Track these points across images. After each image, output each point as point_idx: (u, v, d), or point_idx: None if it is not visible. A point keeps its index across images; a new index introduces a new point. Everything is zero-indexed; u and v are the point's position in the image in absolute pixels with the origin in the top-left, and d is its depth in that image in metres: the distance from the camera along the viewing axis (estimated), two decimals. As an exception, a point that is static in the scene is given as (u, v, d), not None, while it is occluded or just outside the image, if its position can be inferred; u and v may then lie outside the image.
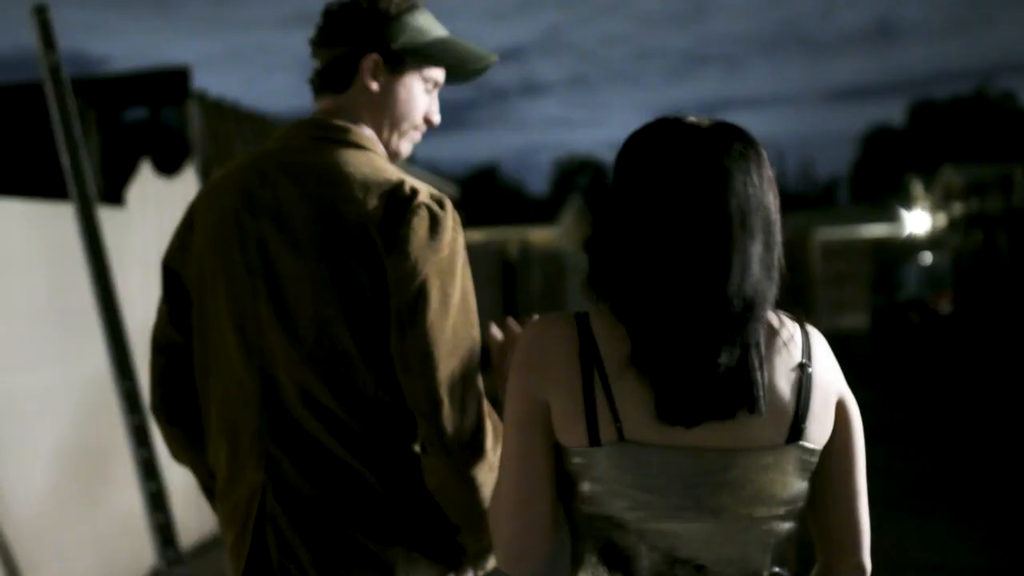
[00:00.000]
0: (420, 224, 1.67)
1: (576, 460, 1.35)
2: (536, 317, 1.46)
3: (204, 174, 6.82)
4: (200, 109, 6.90)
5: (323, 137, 1.78)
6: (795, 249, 31.30)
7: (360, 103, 1.83)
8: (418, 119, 1.88)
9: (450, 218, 1.70)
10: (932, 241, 23.65)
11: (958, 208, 22.87)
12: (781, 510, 1.36)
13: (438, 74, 1.89)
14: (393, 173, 1.74)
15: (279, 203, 1.74)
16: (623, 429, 1.32)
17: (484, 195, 45.93)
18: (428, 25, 1.87)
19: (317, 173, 1.73)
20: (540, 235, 30.41)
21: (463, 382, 1.67)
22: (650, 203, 1.32)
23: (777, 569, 1.40)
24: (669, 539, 1.35)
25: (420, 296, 1.65)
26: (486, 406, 1.73)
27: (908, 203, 27.54)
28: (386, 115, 1.84)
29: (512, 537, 1.40)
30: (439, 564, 1.76)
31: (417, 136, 1.92)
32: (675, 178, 1.32)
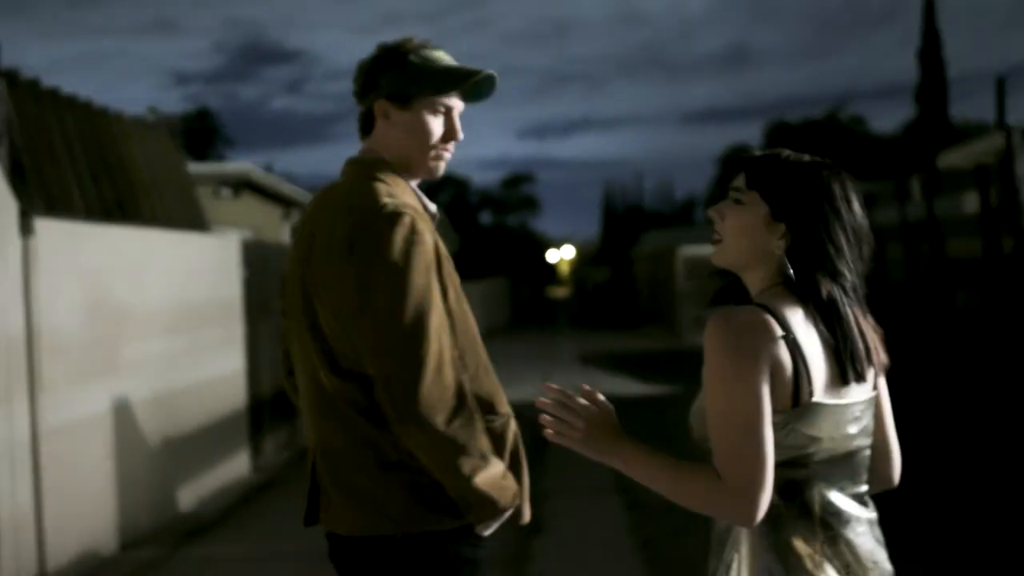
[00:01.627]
0: (372, 238, 2.12)
1: (775, 419, 1.77)
2: (720, 312, 1.82)
3: (12, 164, 5.81)
4: (8, 91, 5.90)
5: (351, 172, 2.30)
6: (659, 265, 31.44)
7: (384, 140, 2.31)
8: (434, 141, 2.30)
9: (400, 231, 2.12)
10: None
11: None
12: (870, 440, 1.92)
13: (448, 99, 2.31)
14: (374, 197, 2.19)
15: (314, 224, 2.26)
16: (812, 393, 1.79)
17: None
18: (429, 61, 2.30)
19: (333, 200, 2.26)
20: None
21: (407, 364, 2.12)
22: (836, 226, 1.88)
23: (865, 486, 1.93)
24: (829, 471, 1.84)
25: (370, 294, 2.13)
26: (451, 386, 2.16)
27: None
28: (406, 146, 2.29)
29: (759, 490, 1.74)
30: (437, 513, 2.19)
31: (445, 154, 2.35)
32: (846, 210, 1.89)
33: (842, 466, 1.85)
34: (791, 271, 1.87)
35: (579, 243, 72.26)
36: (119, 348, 6.81)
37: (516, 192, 66.87)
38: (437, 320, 2.14)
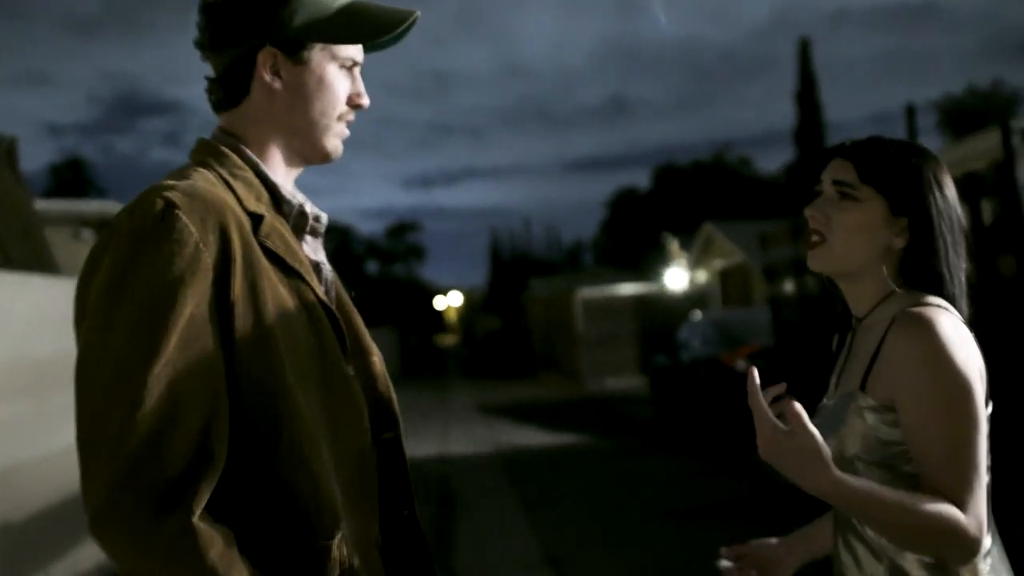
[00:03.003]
0: (98, 245, 1.50)
1: None
2: (927, 309, 1.68)
3: None
4: None
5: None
6: (555, 310, 30.69)
7: (266, 108, 1.67)
8: (340, 107, 1.71)
9: (132, 227, 1.45)
10: (696, 297, 23.34)
11: (719, 264, 22.76)
12: None
13: (353, 50, 1.71)
14: (155, 190, 1.49)
15: None
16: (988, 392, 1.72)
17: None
18: None
19: None
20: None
21: (88, 444, 1.39)
22: (951, 218, 1.79)
23: None
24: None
25: (79, 337, 1.48)
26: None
27: (664, 261, 27.42)
28: (299, 114, 1.68)
29: (985, 510, 1.61)
30: None
31: (344, 128, 1.74)
32: (954, 201, 1.82)
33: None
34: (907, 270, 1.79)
35: (467, 290, 71.76)
36: (-63, 417, 5.53)
37: (402, 241, 66.48)
38: (166, 372, 1.40)
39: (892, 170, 1.77)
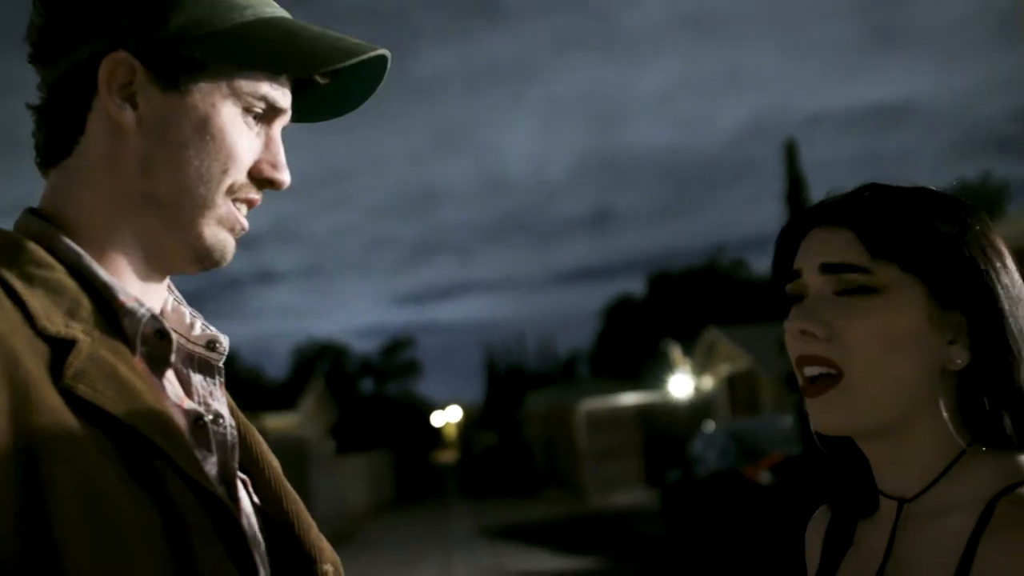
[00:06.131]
0: None
1: None
2: None
3: None
4: None
5: None
6: (555, 424, 29.88)
7: (103, 162, 1.01)
8: (234, 174, 1.02)
9: None
10: (702, 405, 22.61)
11: (725, 369, 22.11)
12: None
13: (269, 87, 1.04)
14: None
15: None
16: None
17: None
18: None
19: None
20: (279, 421, 27.54)
21: None
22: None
23: None
24: None
25: None
26: None
27: (667, 369, 26.73)
28: (161, 174, 1.00)
29: None
30: None
31: (237, 212, 1.04)
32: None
33: None
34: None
35: (464, 404, 70.88)
36: None
37: (397, 358, 65.83)
38: None
39: (924, 229, 1.06)
